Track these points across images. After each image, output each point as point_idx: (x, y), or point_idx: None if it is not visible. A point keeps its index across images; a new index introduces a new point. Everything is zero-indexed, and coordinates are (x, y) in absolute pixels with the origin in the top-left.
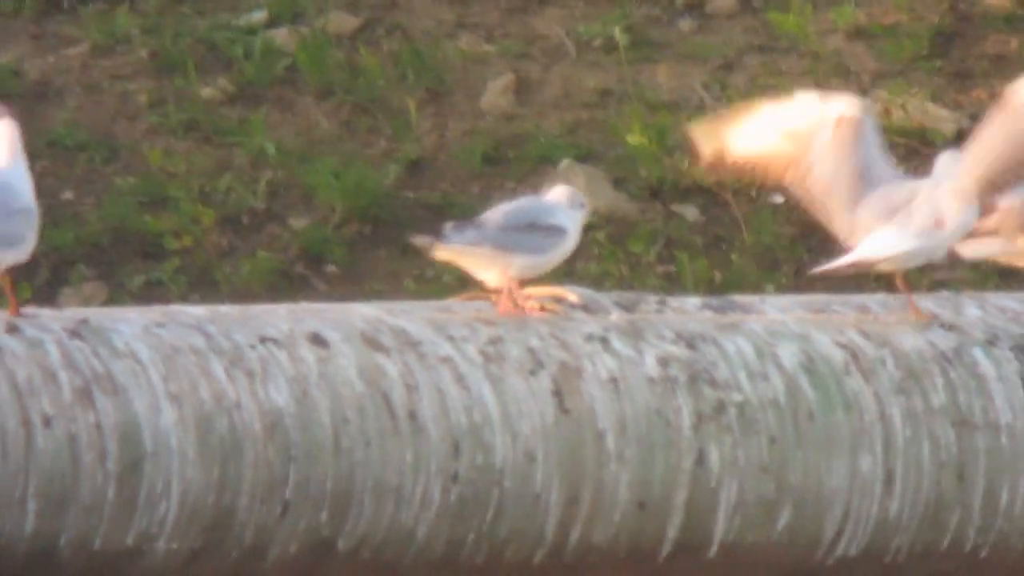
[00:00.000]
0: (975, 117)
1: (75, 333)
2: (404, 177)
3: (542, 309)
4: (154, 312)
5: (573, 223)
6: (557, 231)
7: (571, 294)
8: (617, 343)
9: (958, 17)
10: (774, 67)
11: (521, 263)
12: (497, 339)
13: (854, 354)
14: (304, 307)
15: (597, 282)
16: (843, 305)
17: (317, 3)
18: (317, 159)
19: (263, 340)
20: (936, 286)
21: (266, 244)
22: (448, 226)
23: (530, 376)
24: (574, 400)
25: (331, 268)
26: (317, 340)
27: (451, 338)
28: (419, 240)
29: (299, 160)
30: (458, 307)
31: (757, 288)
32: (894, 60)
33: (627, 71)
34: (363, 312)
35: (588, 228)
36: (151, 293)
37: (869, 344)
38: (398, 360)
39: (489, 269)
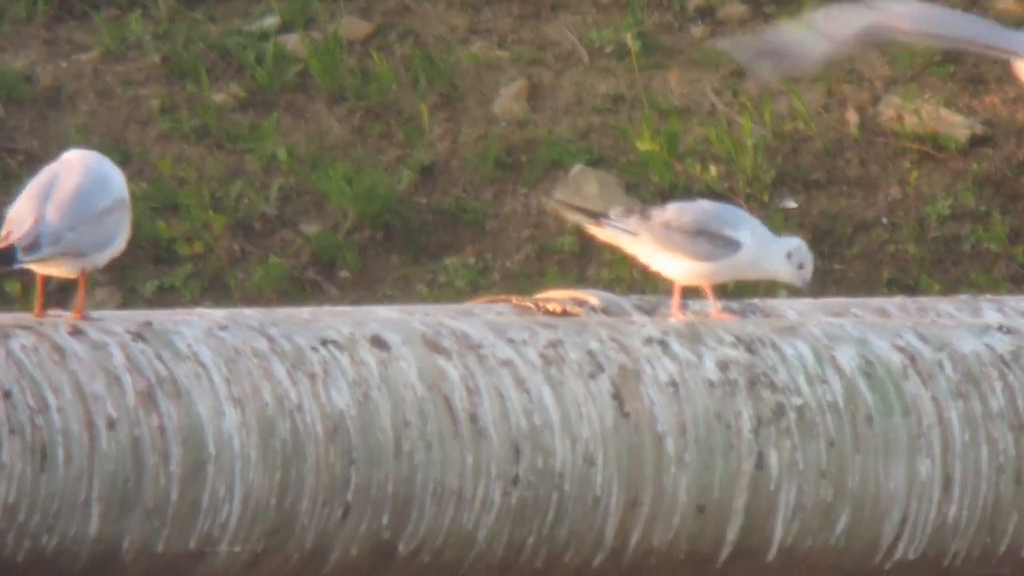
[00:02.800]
0: (989, 123)
1: (138, 336)
2: (416, 182)
3: (564, 312)
4: (216, 314)
5: (754, 239)
6: (729, 243)
7: (592, 297)
8: (676, 346)
9: None
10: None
11: (682, 266)
12: (556, 342)
13: (912, 357)
14: (321, 311)
15: (609, 287)
16: (861, 308)
17: (329, 8)
18: (329, 165)
19: (324, 342)
20: (950, 289)
21: (278, 250)
22: (615, 209)
23: (589, 379)
24: (634, 403)
25: (343, 274)
26: (378, 342)
27: (511, 341)
28: (579, 216)
29: (311, 166)
30: (478, 310)
31: (769, 292)
32: (907, 66)
33: (639, 77)
34: (385, 315)
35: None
36: (163, 299)
37: (927, 347)
38: (459, 363)
39: (649, 262)
